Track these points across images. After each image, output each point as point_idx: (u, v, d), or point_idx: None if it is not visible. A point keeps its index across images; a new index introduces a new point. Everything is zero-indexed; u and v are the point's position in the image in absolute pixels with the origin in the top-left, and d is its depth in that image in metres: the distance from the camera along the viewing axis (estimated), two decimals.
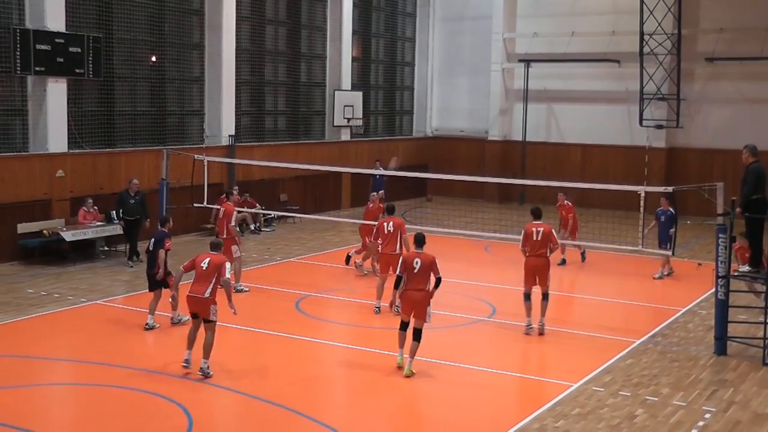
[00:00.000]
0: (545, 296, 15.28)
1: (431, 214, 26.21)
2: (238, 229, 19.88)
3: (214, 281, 12.58)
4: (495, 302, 17.45)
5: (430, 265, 12.98)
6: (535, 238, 15.21)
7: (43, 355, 13.76)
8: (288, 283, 18.92)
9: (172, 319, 15.16)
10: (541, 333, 15.16)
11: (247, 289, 17.96)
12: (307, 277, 19.60)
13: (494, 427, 11.21)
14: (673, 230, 19.27)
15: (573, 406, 11.80)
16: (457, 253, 21.72)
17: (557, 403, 11.90)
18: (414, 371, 12.80)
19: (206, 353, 12.51)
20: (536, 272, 15.24)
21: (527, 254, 15.33)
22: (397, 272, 13.19)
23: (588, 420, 11.30)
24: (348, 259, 20.39)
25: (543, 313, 15.25)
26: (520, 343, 15.04)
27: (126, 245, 20.82)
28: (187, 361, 12.63)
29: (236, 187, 21.96)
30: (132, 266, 20.09)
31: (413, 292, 12.95)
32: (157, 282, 15.15)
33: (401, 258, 13.40)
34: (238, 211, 24.30)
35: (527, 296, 15.27)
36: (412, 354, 12.85)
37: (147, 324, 14.90)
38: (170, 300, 14.60)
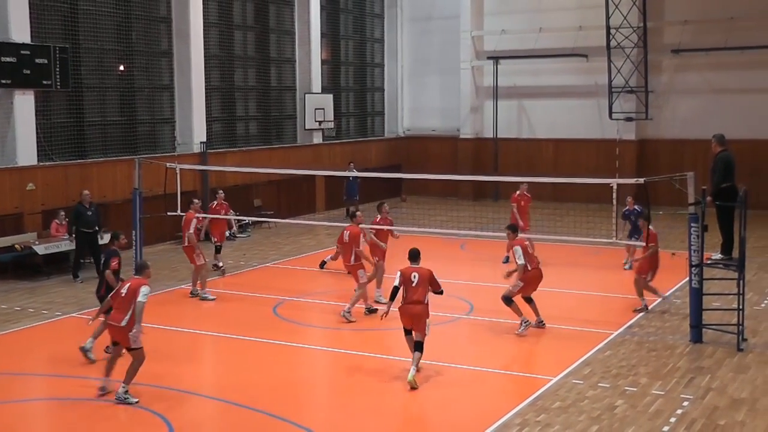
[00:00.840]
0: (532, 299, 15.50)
1: (407, 214, 26.22)
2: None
3: (132, 308, 11.76)
4: (472, 299, 17.50)
5: (428, 279, 12.88)
6: (531, 252, 15.44)
7: (20, 370, 13.63)
8: (265, 289, 18.89)
9: (83, 346, 13.62)
10: (543, 327, 15.39)
11: (213, 297, 17.88)
12: (284, 282, 19.58)
13: (476, 423, 11.24)
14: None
15: (554, 400, 11.86)
16: (433, 251, 21.62)
17: (538, 398, 11.96)
18: (417, 383, 12.45)
19: (128, 378, 11.80)
20: (537, 282, 15.37)
21: (530, 269, 15.14)
22: (395, 284, 12.97)
23: (569, 413, 11.37)
24: (323, 264, 20.41)
25: (538, 312, 15.48)
26: (499, 340, 15.09)
27: (75, 260, 20.22)
28: (102, 388, 12.02)
29: (221, 192, 21.61)
30: (82, 281, 19.69)
31: (412, 305, 12.77)
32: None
33: (399, 272, 13.06)
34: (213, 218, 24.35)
35: (530, 299, 15.46)
36: (416, 363, 12.68)
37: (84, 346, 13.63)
38: (89, 323, 13.34)
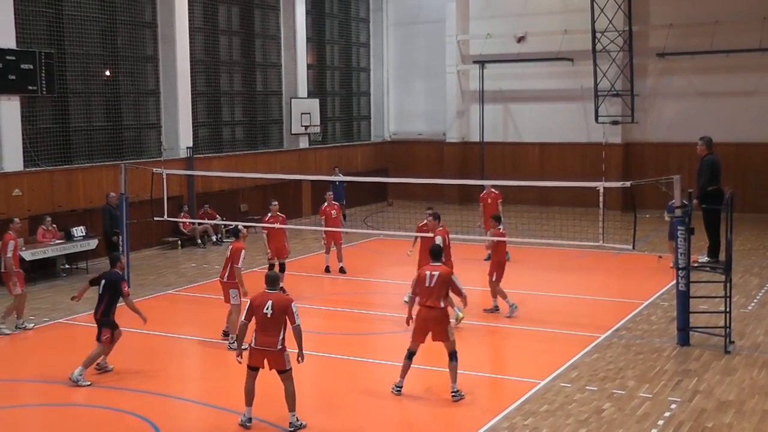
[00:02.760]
0: None
1: (392, 218, 26.25)
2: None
3: (282, 327, 10.92)
4: (459, 303, 17.47)
5: (446, 280, 11.96)
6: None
7: (7, 377, 13.58)
8: (252, 293, 18.77)
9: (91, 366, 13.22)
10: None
11: (31, 325, 16.24)
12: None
13: (464, 427, 11.26)
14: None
15: (541, 403, 11.88)
16: (417, 255, 21.74)
17: (525, 401, 11.98)
18: (462, 393, 12.04)
19: (292, 405, 11.03)
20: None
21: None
22: (410, 292, 11.93)
23: (556, 416, 11.39)
24: (342, 269, 21.01)
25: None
26: (485, 343, 15.12)
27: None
28: (249, 419, 11.17)
29: (275, 202, 19.37)
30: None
31: (426, 309, 11.86)
32: (107, 326, 13.19)
33: (417, 274, 12.21)
34: (199, 224, 24.37)
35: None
36: (454, 372, 11.99)
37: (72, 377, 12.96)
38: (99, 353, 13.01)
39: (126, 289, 13.34)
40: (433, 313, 11.89)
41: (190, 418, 11.89)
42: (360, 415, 11.84)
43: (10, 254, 15.81)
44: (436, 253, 12.32)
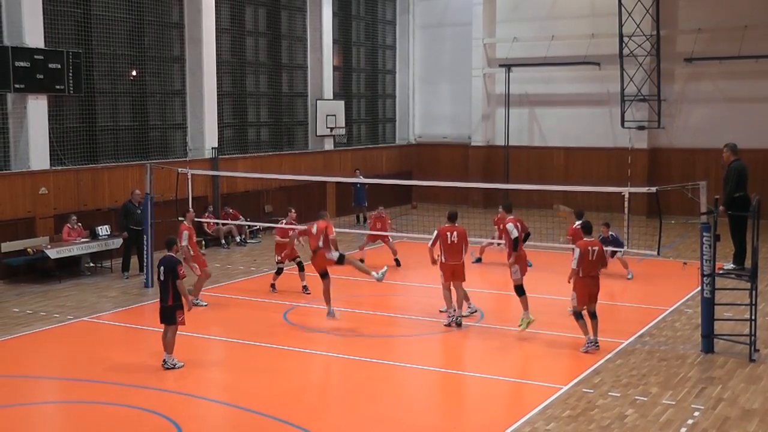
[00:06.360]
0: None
1: (417, 221, 26.22)
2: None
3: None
4: (483, 307, 17.43)
5: (603, 250, 14.54)
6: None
7: (31, 373, 13.69)
8: (275, 294, 18.88)
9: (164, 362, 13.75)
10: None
11: (205, 304, 17.59)
12: (294, 288, 19.54)
13: (485, 431, 11.21)
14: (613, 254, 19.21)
15: (563, 409, 11.82)
16: None
17: (548, 406, 11.92)
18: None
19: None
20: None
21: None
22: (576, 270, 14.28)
23: (579, 422, 11.32)
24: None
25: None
26: (508, 348, 15.05)
27: (121, 258, 21.01)
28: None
29: (292, 210, 20.19)
30: (128, 277, 20.47)
31: (591, 278, 14.36)
32: (172, 314, 13.61)
33: (579, 247, 14.30)
34: (223, 224, 24.47)
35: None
36: (596, 327, 14.54)
37: (165, 362, 13.63)
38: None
39: (182, 272, 13.64)
40: (597, 281, 14.45)
41: (213, 418, 11.92)
42: (378, 417, 11.81)
43: (185, 243, 17.04)
44: (588, 228, 14.67)
